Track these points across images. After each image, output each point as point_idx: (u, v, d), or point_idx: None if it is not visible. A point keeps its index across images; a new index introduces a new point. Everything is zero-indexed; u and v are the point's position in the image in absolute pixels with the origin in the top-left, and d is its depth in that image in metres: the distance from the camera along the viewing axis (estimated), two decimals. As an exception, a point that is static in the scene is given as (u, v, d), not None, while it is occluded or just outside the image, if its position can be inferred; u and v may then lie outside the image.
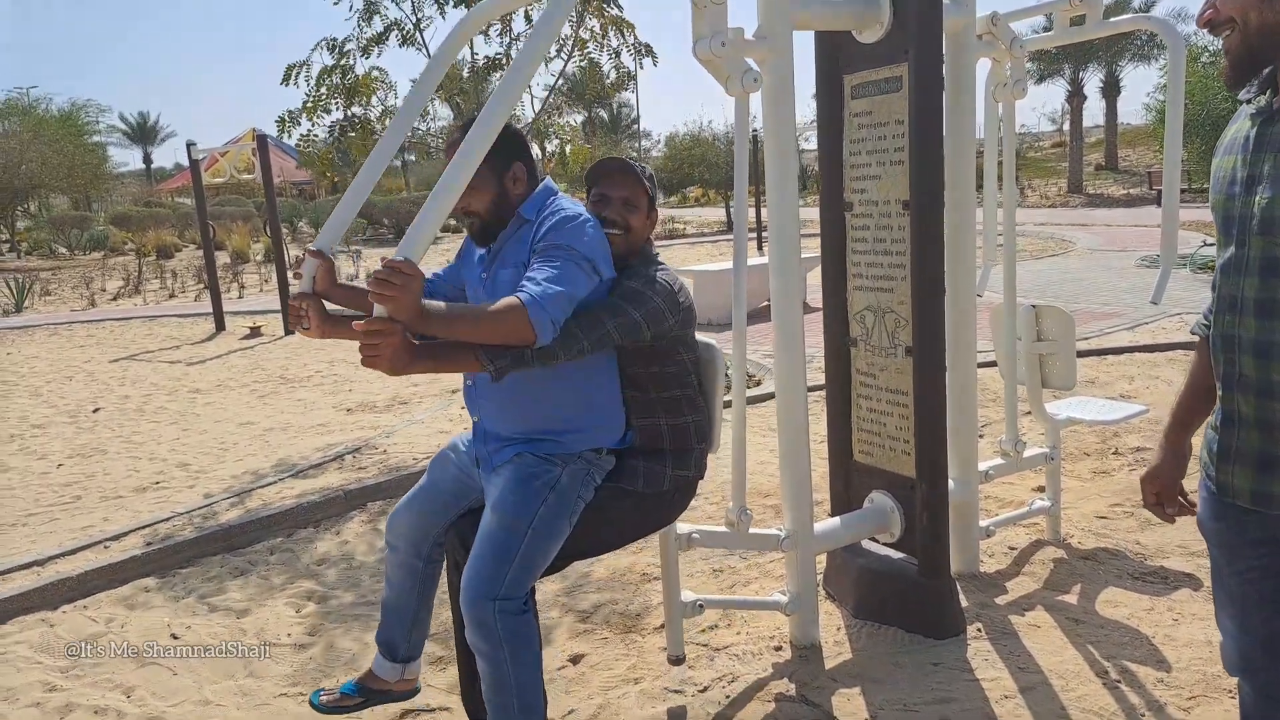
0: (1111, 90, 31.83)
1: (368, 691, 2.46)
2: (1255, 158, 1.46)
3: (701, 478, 2.46)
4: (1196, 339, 1.75)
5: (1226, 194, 1.50)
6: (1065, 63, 28.84)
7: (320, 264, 2.31)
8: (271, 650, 3.14)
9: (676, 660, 2.77)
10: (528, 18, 6.11)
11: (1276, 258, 1.41)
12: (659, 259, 2.39)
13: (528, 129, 6.84)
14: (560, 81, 6.91)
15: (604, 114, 49.84)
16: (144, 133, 58.73)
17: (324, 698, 2.48)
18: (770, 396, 5.91)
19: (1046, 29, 3.59)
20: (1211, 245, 11.64)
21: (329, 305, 2.32)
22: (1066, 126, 35.44)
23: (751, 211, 18.66)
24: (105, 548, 4.05)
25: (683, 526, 2.66)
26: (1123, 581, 3.21)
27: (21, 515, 4.67)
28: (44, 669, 3.08)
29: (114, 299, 15.20)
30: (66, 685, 2.97)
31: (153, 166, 59.56)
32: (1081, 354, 6.70)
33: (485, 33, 6.28)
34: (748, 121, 2.58)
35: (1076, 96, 30.55)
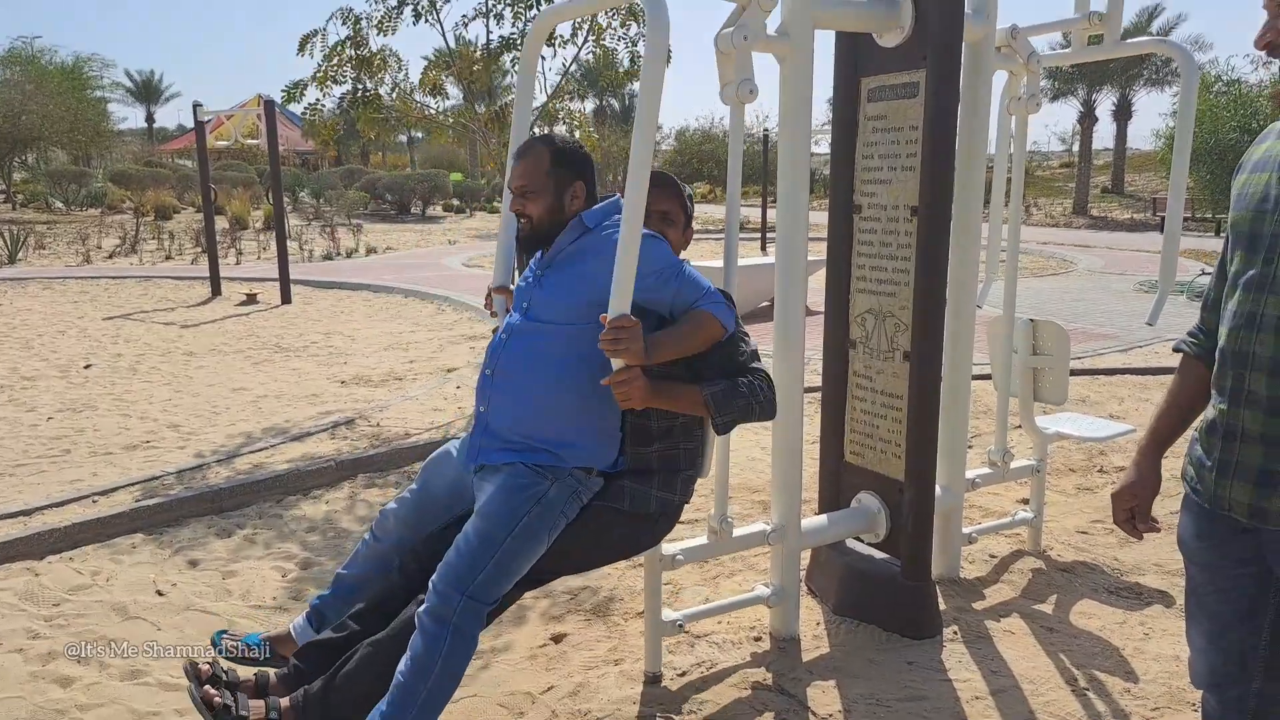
0: (1123, 114, 31.96)
1: (273, 651, 2.41)
2: None
3: (687, 502, 2.48)
4: (1181, 355, 1.76)
5: (1256, 210, 1.51)
6: (1079, 83, 28.97)
7: (506, 298, 2.62)
8: (254, 612, 3.17)
9: (654, 679, 2.73)
10: None
11: None
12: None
13: (538, 113, 6.84)
14: (574, 68, 6.91)
15: (615, 103, 49.73)
16: (148, 91, 58.25)
17: (226, 641, 2.42)
18: (763, 394, 5.95)
19: (1065, 46, 3.61)
20: (1210, 274, 11.73)
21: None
22: (1076, 147, 35.58)
23: (759, 212, 18.69)
24: (94, 502, 4.06)
25: (668, 548, 2.67)
26: (1098, 595, 3.26)
27: (9, 465, 4.68)
28: (28, 616, 3.10)
29: (109, 257, 15.14)
30: (50, 634, 2.98)
31: (155, 126, 59.13)
32: (1074, 373, 6.76)
33: (500, 16, 6.28)
34: (742, 129, 2.60)
35: (1088, 118, 30.69)
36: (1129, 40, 3.27)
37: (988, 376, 4.06)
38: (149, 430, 5.33)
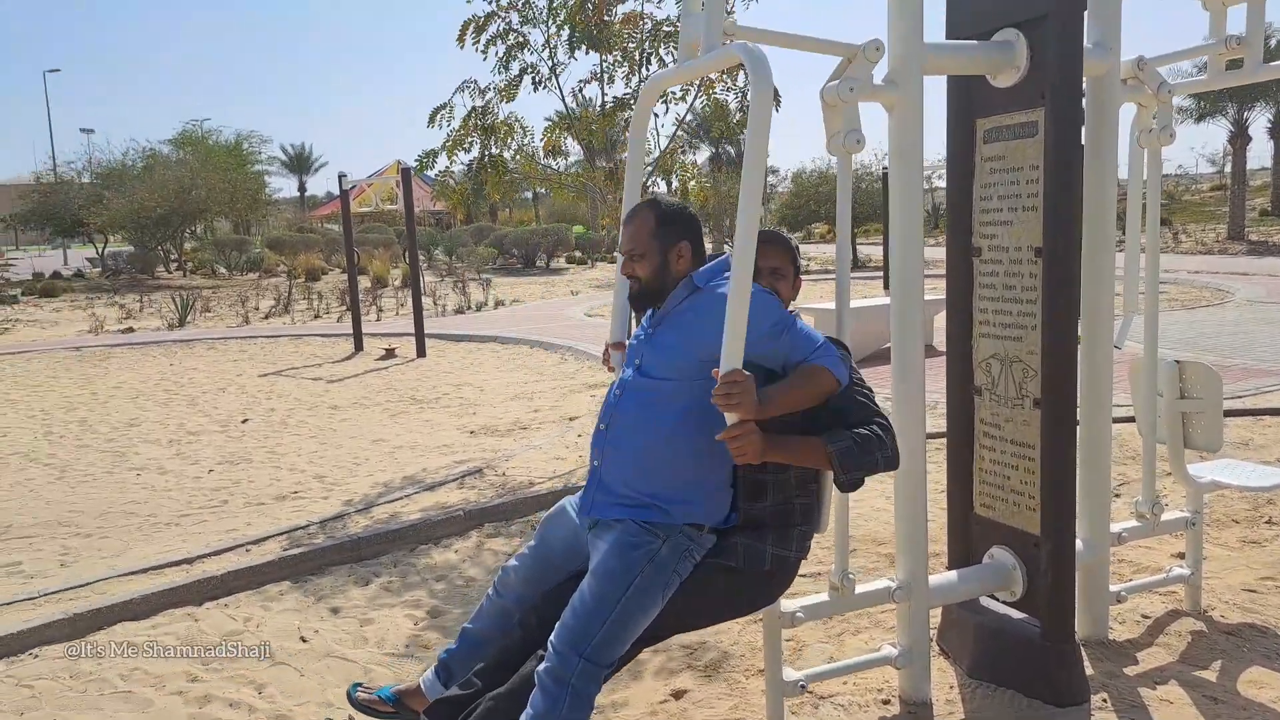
0: (1278, 131, 29.60)
1: (402, 706, 2.49)
2: None
3: (804, 558, 2.44)
4: None
5: None
6: (1228, 101, 27.04)
7: (623, 354, 2.60)
8: (388, 659, 3.30)
9: None
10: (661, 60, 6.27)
11: None
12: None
13: (653, 165, 7.00)
14: (689, 118, 7.05)
15: (731, 150, 50.11)
16: (300, 162, 63.22)
17: (360, 694, 2.52)
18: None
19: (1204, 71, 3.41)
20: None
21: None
22: (1228, 168, 33.12)
23: (880, 250, 18.33)
24: (247, 550, 4.35)
25: (787, 604, 2.62)
26: (1271, 662, 2.95)
27: (176, 515, 5.09)
28: (188, 661, 3.34)
29: (265, 317, 16.36)
30: (206, 677, 3.20)
31: (306, 194, 63.93)
32: (1235, 413, 6.24)
33: (611, 79, 6.50)
34: (849, 177, 2.61)
35: (1240, 137, 28.53)
36: (1274, 64, 3.06)
37: (1134, 419, 3.82)
38: (297, 481, 5.69)
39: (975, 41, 2.83)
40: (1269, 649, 3.04)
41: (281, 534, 4.56)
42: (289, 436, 7.05)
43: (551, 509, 2.57)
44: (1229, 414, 6.22)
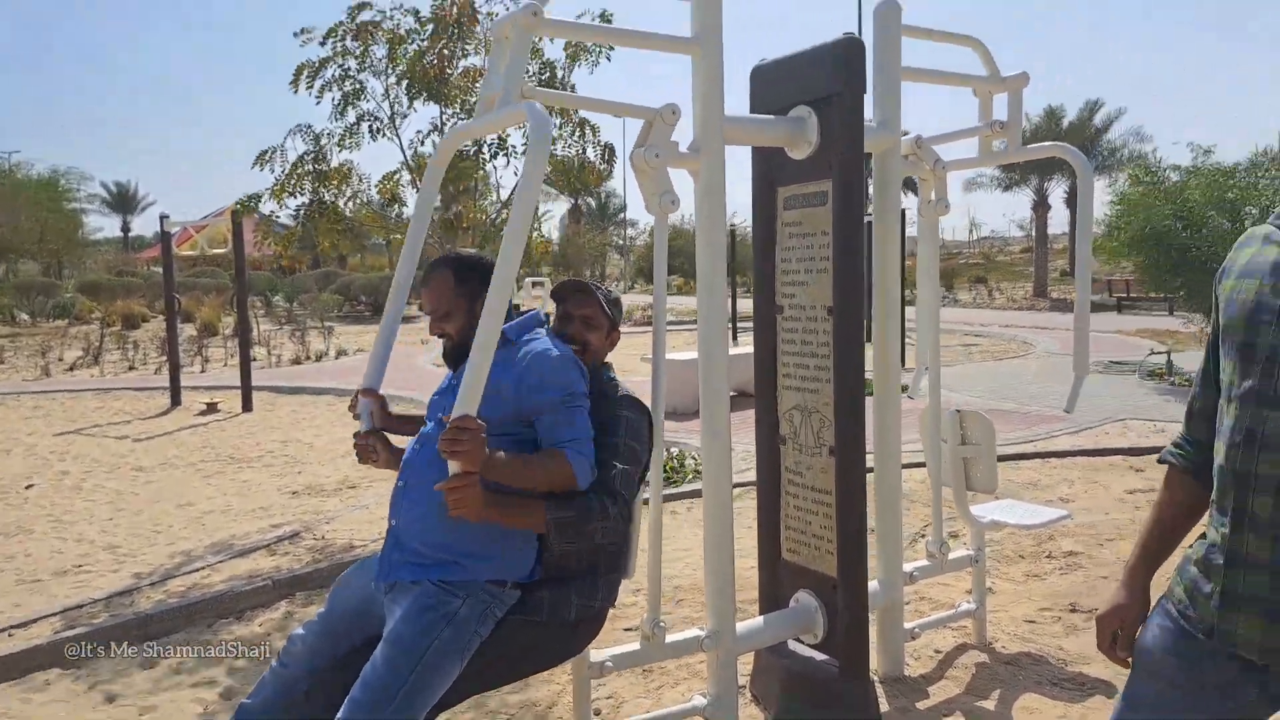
0: (1075, 200, 33.27)
1: None
2: None
3: (611, 605, 2.43)
4: (1166, 467, 1.66)
5: (1250, 321, 1.42)
6: (1032, 174, 30.30)
7: (373, 402, 2.60)
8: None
9: None
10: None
11: None
12: (615, 379, 2.52)
13: (497, 216, 6.99)
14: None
15: (591, 202, 50.89)
16: (124, 201, 59.06)
17: None
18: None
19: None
20: (1160, 354, 11.94)
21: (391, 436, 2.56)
22: (1034, 233, 36.80)
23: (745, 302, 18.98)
24: (9, 635, 3.88)
25: (596, 654, 2.61)
26: (1041, 687, 3.19)
27: (-67, 595, 4.50)
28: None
29: (70, 369, 14.96)
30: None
31: (131, 235, 59.66)
32: (1026, 456, 6.80)
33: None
34: (666, 235, 2.72)
35: (1041, 206, 31.92)
36: (1030, 146, 3.43)
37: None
38: (83, 553, 5.16)
39: (772, 116, 3.02)
40: (1041, 676, 3.28)
41: (55, 614, 4.10)
42: (81, 502, 6.41)
43: (343, 574, 2.44)
44: (1022, 457, 6.78)
